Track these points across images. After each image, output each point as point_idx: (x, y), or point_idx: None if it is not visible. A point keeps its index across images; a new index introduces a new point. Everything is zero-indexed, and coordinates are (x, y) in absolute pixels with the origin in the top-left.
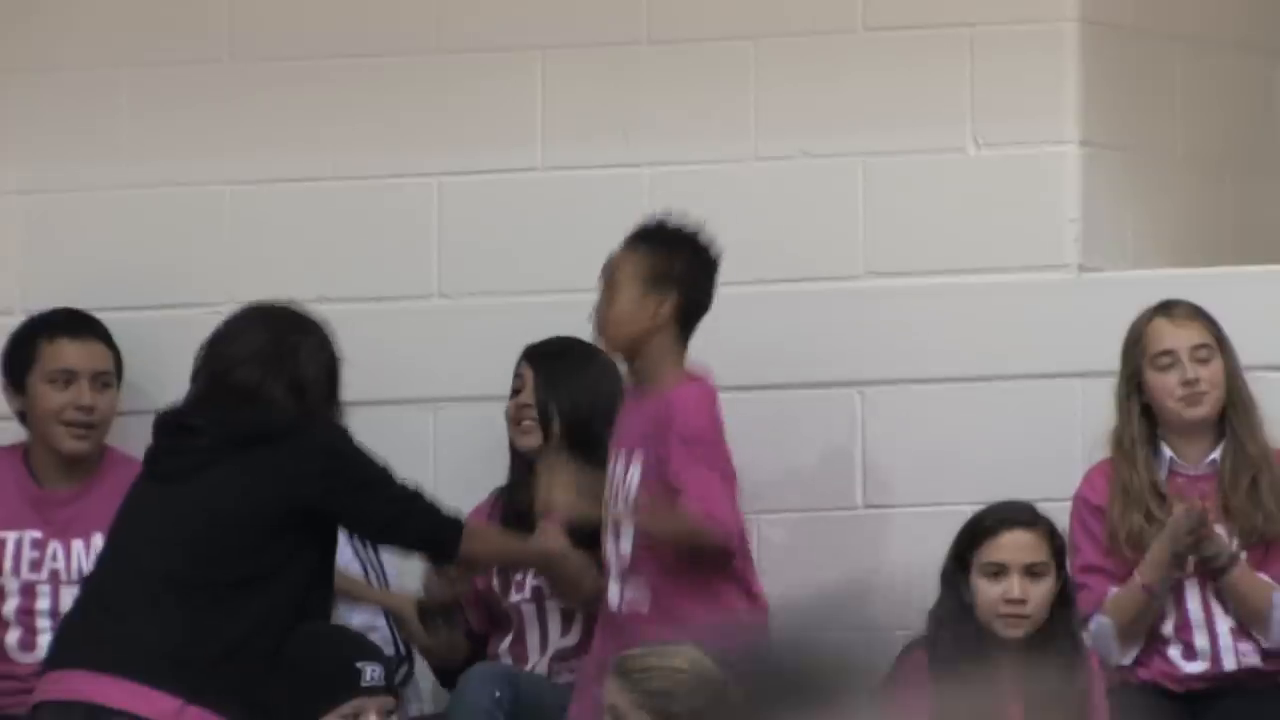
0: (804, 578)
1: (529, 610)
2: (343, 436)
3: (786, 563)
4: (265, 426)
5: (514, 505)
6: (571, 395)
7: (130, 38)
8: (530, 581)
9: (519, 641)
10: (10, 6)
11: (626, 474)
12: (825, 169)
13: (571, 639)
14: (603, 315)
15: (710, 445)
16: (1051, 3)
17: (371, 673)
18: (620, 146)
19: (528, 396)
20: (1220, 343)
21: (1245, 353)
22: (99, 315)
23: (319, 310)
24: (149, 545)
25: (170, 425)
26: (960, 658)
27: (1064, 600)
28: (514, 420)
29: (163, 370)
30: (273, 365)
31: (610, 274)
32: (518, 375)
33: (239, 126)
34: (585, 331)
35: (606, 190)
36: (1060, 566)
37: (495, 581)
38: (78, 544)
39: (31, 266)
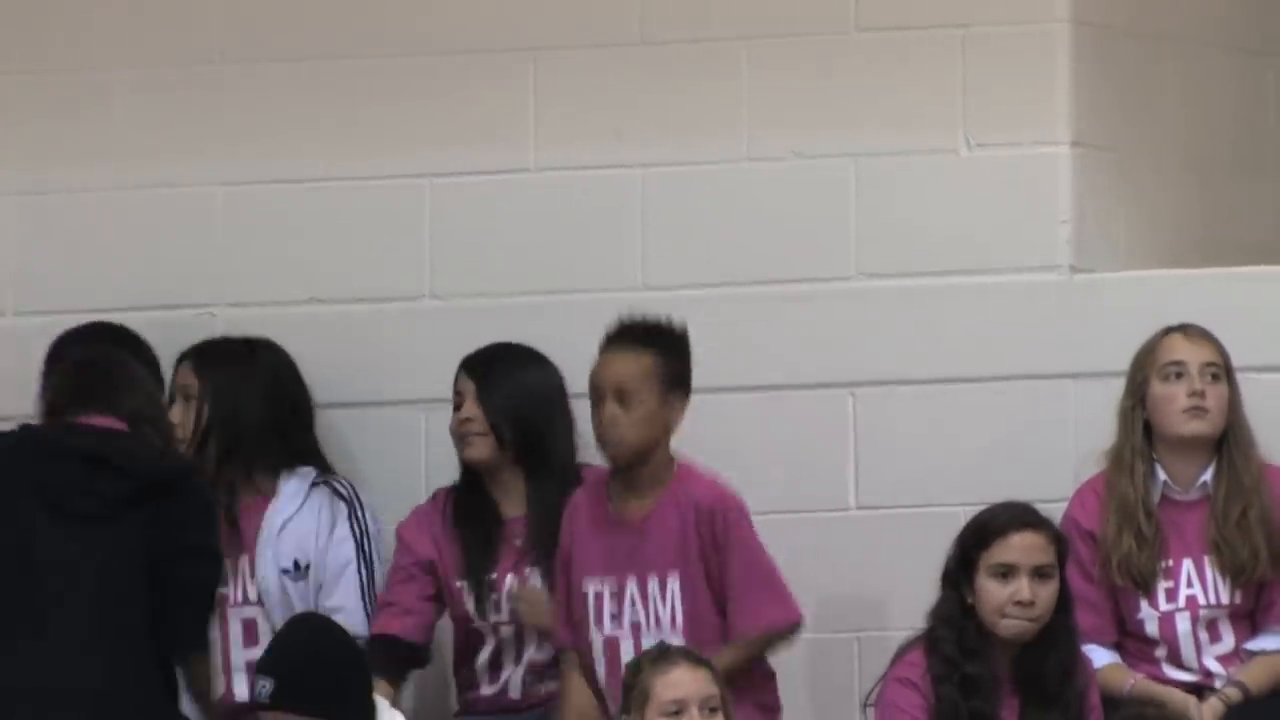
0: (796, 579)
1: (506, 631)
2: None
3: (779, 564)
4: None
5: (464, 510)
6: (518, 402)
7: (123, 39)
8: (505, 603)
9: (495, 649)
10: (2, 8)
11: (661, 596)
12: (817, 170)
13: (544, 653)
14: (619, 428)
15: (754, 535)
16: (1043, 4)
17: (260, 687)
18: (612, 147)
19: (470, 410)
20: (1228, 370)
21: (1236, 354)
22: (91, 316)
23: (311, 311)
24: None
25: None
26: (960, 657)
27: (1063, 602)
28: (457, 435)
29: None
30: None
31: (617, 384)
32: (457, 391)
33: (231, 128)
34: (577, 328)
35: (599, 191)
36: (1062, 568)
37: (470, 607)
38: None
39: (24, 268)
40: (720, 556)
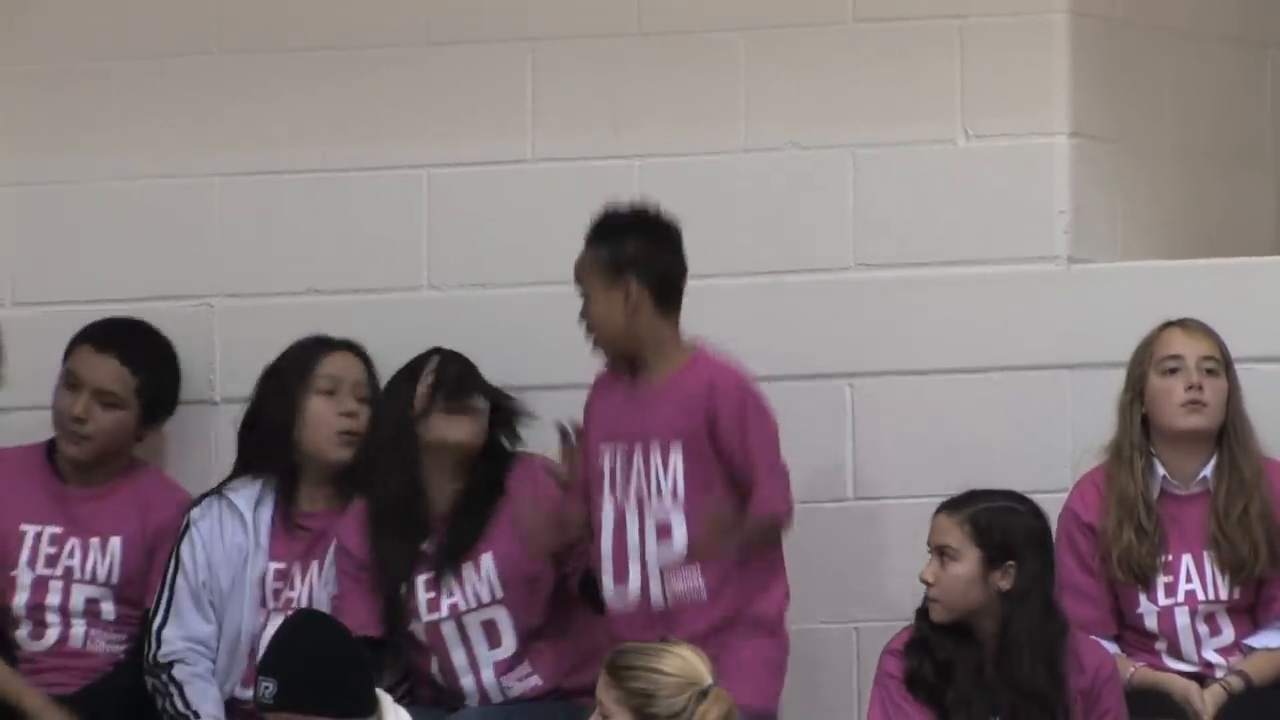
0: (794, 570)
1: (449, 629)
2: None
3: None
4: None
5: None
6: None
7: (119, 30)
8: (445, 599)
9: (446, 661)
10: None
11: (662, 466)
12: (815, 160)
13: (505, 651)
14: (587, 323)
15: (769, 421)
16: None
17: (263, 688)
18: (610, 138)
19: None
20: (1227, 364)
21: (1234, 345)
22: (88, 307)
23: (309, 302)
24: None
25: None
26: (928, 627)
27: (1042, 601)
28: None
29: None
30: None
31: (577, 280)
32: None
33: (228, 118)
34: (574, 319)
35: (596, 181)
36: (993, 559)
37: (415, 602)
38: (94, 543)
39: (22, 259)
40: (733, 437)
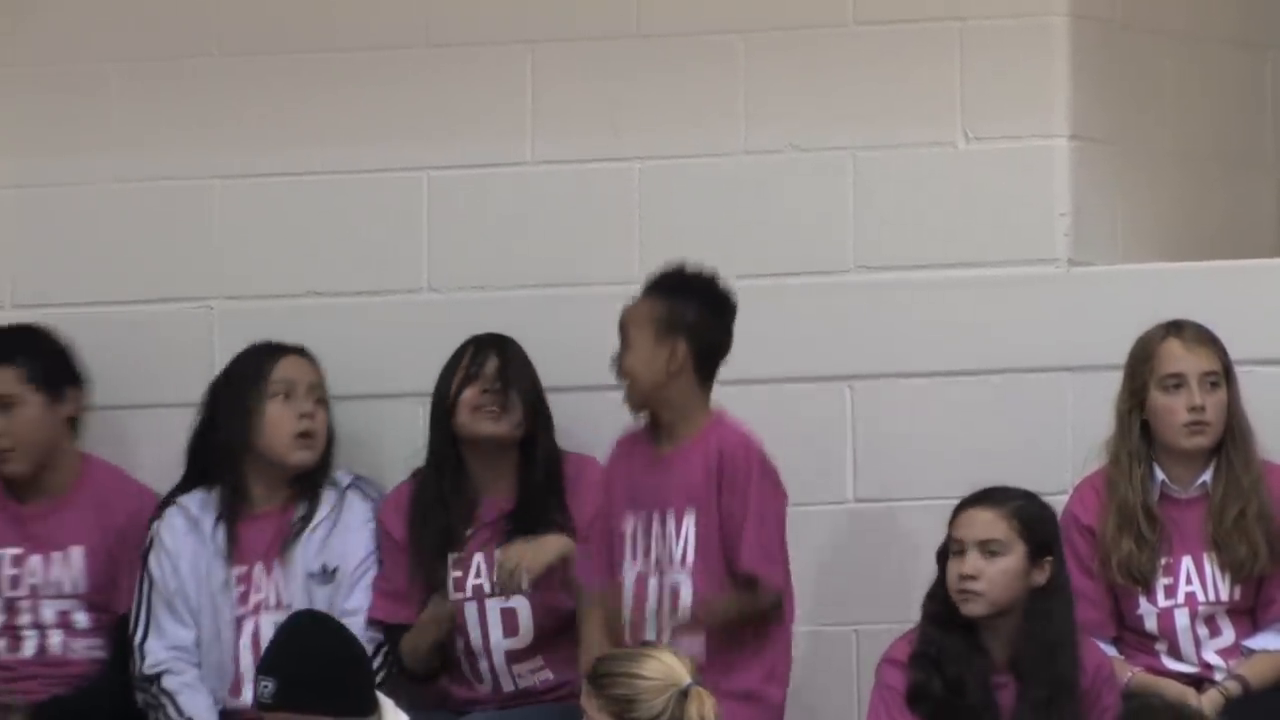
0: (795, 572)
1: (470, 610)
2: None
3: None
4: None
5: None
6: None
7: (120, 31)
8: (471, 580)
9: (467, 641)
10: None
11: (675, 533)
12: (815, 163)
13: (521, 641)
14: (622, 367)
15: (777, 493)
16: None
17: (262, 688)
18: (610, 140)
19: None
20: (1227, 370)
21: (1234, 347)
22: (88, 309)
23: (309, 304)
24: None
25: None
26: (939, 632)
27: (1056, 588)
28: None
29: (151, 364)
30: None
31: (624, 325)
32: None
33: (228, 120)
34: (573, 321)
35: (596, 184)
36: (1035, 553)
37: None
38: (56, 556)
39: (21, 261)
40: (734, 497)
